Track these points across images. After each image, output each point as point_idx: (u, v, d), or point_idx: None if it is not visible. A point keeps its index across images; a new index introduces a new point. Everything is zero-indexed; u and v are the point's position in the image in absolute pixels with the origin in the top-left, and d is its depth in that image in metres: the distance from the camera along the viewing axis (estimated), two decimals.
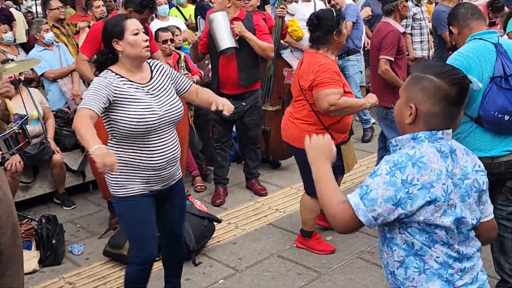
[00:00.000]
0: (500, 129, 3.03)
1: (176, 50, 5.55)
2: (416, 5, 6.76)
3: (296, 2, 6.47)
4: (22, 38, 8.72)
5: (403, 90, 1.88)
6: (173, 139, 2.96)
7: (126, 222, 3.00)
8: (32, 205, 5.10)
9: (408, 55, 7.02)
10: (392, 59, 4.57)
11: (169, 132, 2.93)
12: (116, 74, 2.86)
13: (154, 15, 6.99)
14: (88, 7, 6.83)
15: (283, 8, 5.38)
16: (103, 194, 4.58)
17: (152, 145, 2.86)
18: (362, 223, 1.76)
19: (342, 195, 1.87)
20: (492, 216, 1.96)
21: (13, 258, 3.22)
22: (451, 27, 3.27)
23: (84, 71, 4.56)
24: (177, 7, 7.61)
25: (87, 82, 6.33)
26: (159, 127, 2.86)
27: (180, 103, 2.98)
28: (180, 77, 3.09)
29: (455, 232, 1.79)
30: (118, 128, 2.81)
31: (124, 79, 2.86)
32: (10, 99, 3.17)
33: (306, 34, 6.28)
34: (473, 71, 2.95)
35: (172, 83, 3.03)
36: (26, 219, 4.43)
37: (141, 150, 2.85)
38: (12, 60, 5.22)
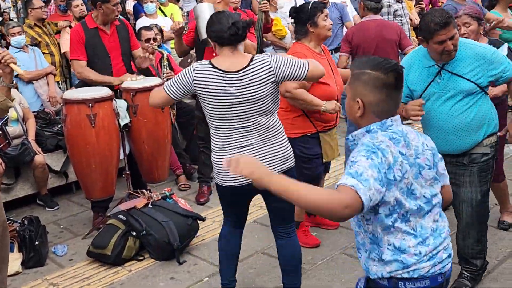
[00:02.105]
0: None
1: (159, 49, 5.53)
2: (397, 1, 6.80)
3: None
4: None
5: (347, 87, 2.06)
6: None
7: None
8: (14, 207, 5.05)
9: None
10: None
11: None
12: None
13: (143, 13, 6.99)
14: (68, 7, 6.79)
15: (266, 3, 5.39)
16: (86, 195, 4.55)
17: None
18: (363, 203, 1.79)
19: (324, 189, 1.95)
20: (447, 182, 2.20)
21: (2, 258, 3.20)
22: (454, 27, 3.20)
23: (91, 76, 4.59)
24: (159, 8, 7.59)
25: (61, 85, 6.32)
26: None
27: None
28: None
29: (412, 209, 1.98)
30: None
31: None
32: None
33: (289, 33, 6.34)
34: None
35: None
36: (9, 221, 4.37)
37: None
38: None
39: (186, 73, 2.96)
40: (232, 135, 2.98)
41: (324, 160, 3.89)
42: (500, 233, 4.07)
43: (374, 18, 5.03)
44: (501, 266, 3.67)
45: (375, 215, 1.96)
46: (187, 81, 2.95)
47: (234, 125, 2.96)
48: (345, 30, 6.46)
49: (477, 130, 3.16)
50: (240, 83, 2.89)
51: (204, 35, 4.63)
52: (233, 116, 2.94)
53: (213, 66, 2.94)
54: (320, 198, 1.82)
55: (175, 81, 2.98)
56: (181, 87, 2.97)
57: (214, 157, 3.06)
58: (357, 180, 1.82)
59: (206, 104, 2.98)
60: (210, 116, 3.01)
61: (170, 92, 3.00)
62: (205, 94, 2.94)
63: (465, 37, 3.80)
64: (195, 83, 2.94)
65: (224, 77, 2.91)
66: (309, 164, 3.84)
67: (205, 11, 4.54)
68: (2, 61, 2.93)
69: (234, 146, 2.98)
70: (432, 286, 2.02)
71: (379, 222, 1.97)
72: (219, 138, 3.02)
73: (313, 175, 3.89)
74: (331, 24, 3.80)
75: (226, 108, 2.93)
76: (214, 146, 3.06)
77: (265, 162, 2.95)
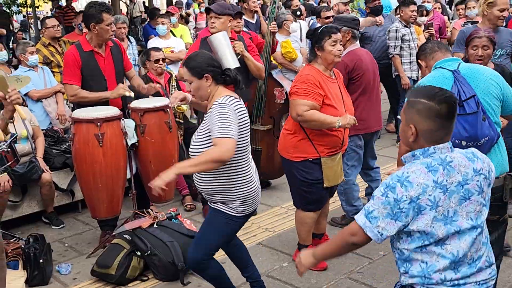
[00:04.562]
0: None
1: (168, 70, 5.58)
2: (405, 26, 6.86)
3: (296, 21, 6.56)
4: None
5: (402, 113, 2.22)
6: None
7: (225, 235, 3.30)
8: (20, 224, 5.06)
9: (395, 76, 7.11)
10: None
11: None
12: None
13: (153, 34, 7.08)
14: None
15: (275, 24, 5.44)
16: (92, 213, 4.56)
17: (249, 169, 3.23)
18: (371, 238, 2.11)
19: (343, 232, 2.28)
20: None
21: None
22: (419, 61, 3.42)
23: (85, 97, 4.59)
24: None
25: (70, 103, 6.37)
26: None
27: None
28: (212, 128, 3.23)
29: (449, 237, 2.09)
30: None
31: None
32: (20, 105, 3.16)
33: (300, 56, 6.38)
34: None
35: None
36: (14, 238, 4.39)
37: (248, 168, 3.22)
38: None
39: (230, 112, 3.04)
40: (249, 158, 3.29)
41: (325, 185, 3.88)
42: (508, 260, 4.03)
43: (357, 46, 4.79)
44: None
45: (405, 237, 2.14)
46: (236, 119, 3.05)
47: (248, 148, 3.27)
48: None
49: None
50: None
51: (227, 65, 4.73)
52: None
53: (238, 99, 3.16)
54: (339, 241, 2.26)
55: (229, 124, 2.99)
56: (237, 126, 3.06)
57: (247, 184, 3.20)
58: (366, 218, 2.11)
59: (242, 136, 3.13)
60: (243, 145, 3.16)
61: (235, 135, 3.02)
62: (244, 126, 3.14)
63: (480, 59, 3.83)
64: (239, 119, 3.09)
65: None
66: (309, 188, 3.84)
67: (223, 42, 4.63)
68: (9, 100, 3.00)
69: (251, 166, 3.28)
70: None
71: (409, 244, 2.13)
72: (245, 166, 3.22)
73: (313, 198, 3.89)
74: (339, 50, 3.77)
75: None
76: (245, 174, 3.19)
77: None
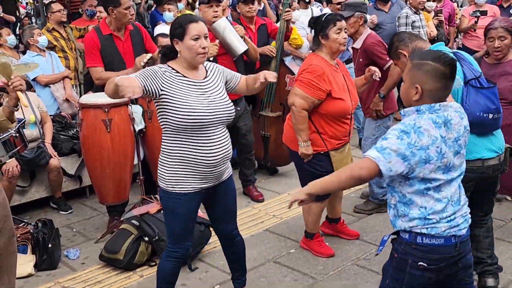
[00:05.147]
0: (483, 129, 3.16)
1: None
2: (415, 13, 6.79)
3: (298, 9, 6.51)
4: None
5: (406, 75, 2.37)
6: (226, 137, 3.05)
7: (174, 217, 3.07)
8: (29, 209, 5.09)
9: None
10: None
11: (221, 130, 3.02)
12: (173, 69, 2.97)
13: (161, 21, 7.06)
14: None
15: (289, 11, 5.41)
16: (100, 199, 4.58)
17: (207, 142, 2.94)
18: (381, 171, 2.24)
19: (347, 166, 2.46)
20: None
21: (6, 265, 3.20)
22: (400, 51, 3.33)
23: (109, 77, 4.55)
24: None
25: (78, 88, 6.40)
26: (210, 124, 2.94)
27: (231, 104, 3.07)
28: (231, 72, 3.21)
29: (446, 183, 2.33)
30: (170, 122, 2.90)
31: (179, 74, 2.96)
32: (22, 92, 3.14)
33: (306, 42, 6.34)
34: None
35: (223, 81, 3.13)
36: (22, 223, 4.42)
37: (197, 146, 2.93)
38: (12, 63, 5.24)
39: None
40: None
41: None
42: None
43: (370, 30, 4.75)
44: None
45: (406, 181, 2.31)
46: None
47: None
48: None
49: None
50: None
51: (240, 50, 4.77)
52: None
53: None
54: (346, 172, 2.36)
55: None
56: None
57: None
58: (379, 153, 2.24)
59: None
60: None
61: None
62: None
63: (498, 51, 3.81)
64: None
65: None
66: (312, 179, 3.82)
67: (228, 27, 4.64)
68: (11, 87, 2.97)
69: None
70: (446, 244, 2.34)
71: (410, 187, 2.31)
72: None
73: None
74: (344, 38, 3.73)
75: None
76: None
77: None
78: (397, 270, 2.43)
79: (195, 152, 2.93)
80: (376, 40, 4.53)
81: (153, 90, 2.85)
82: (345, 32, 3.77)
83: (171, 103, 2.89)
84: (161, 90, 2.88)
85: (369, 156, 2.26)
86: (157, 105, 2.95)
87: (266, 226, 4.60)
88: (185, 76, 2.96)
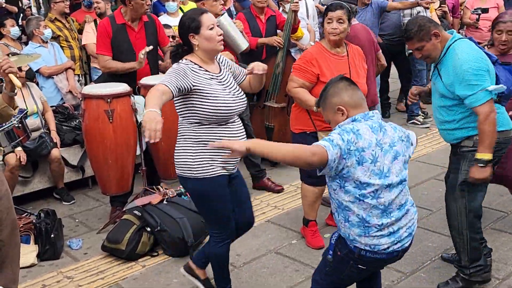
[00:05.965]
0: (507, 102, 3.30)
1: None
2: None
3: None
4: None
5: (325, 114, 2.57)
6: (241, 125, 3.14)
7: (211, 202, 3.06)
8: (31, 200, 5.11)
9: (408, 54, 7.03)
10: None
11: (237, 119, 3.11)
12: (195, 63, 2.99)
13: (163, 12, 7.04)
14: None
15: (297, 3, 5.39)
16: (102, 189, 4.59)
17: (229, 129, 3.02)
18: (328, 158, 2.30)
19: (302, 147, 2.40)
20: None
21: (10, 257, 3.22)
22: (435, 32, 3.18)
23: (113, 67, 4.62)
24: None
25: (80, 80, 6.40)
26: (233, 114, 3.03)
27: (244, 94, 3.13)
28: (238, 68, 3.25)
29: (382, 191, 2.40)
30: (200, 114, 2.94)
31: (202, 68, 2.99)
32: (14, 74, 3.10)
33: (306, 34, 6.31)
34: (490, 62, 3.14)
35: (232, 75, 3.17)
36: (25, 213, 4.44)
37: (221, 132, 2.99)
38: (15, 54, 5.24)
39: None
40: None
41: None
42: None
43: (355, 22, 4.74)
44: None
45: (340, 188, 2.42)
46: None
47: None
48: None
49: (456, 130, 3.22)
50: None
51: (244, 46, 4.79)
52: None
53: None
54: (294, 150, 2.36)
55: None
56: None
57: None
58: (329, 143, 2.32)
59: None
60: None
61: None
62: None
63: (504, 44, 3.80)
64: None
65: None
66: None
67: (232, 24, 4.66)
68: (1, 70, 2.91)
69: None
70: (387, 258, 2.50)
71: (346, 194, 2.41)
72: None
73: (312, 171, 3.91)
74: (333, 29, 3.75)
75: None
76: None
77: None
78: (338, 263, 2.58)
79: (221, 138, 2.96)
80: (350, 36, 4.36)
81: (185, 87, 2.87)
82: (340, 22, 3.77)
83: (201, 96, 2.92)
84: (193, 86, 2.90)
85: (322, 145, 2.33)
86: (182, 99, 2.96)
87: (268, 217, 4.61)
88: (206, 70, 3.00)
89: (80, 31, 6.70)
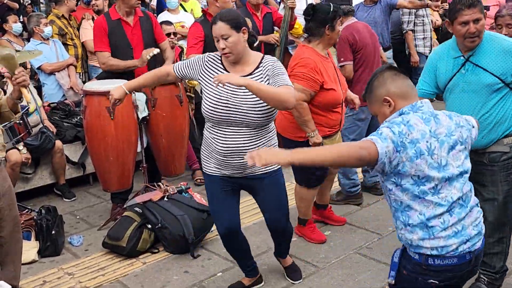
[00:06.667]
0: None
1: (179, 44, 5.56)
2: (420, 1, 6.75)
3: None
4: None
5: (371, 106, 2.36)
6: (243, 134, 3.01)
7: (207, 196, 3.33)
8: (33, 196, 5.11)
9: (408, 53, 7.04)
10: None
11: (239, 126, 3.00)
12: (221, 61, 3.08)
13: (166, 8, 7.04)
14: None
15: (294, 0, 5.38)
16: (103, 186, 4.59)
17: (222, 132, 3.04)
18: (378, 152, 2.09)
19: (348, 144, 2.40)
20: None
21: (12, 253, 3.23)
22: (481, 12, 3.00)
23: (114, 64, 4.62)
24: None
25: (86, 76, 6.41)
26: (227, 119, 2.99)
27: (265, 107, 2.95)
28: (275, 80, 2.96)
29: (442, 184, 2.20)
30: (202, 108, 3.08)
31: (222, 67, 3.06)
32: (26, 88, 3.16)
33: None
34: None
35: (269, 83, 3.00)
36: (26, 210, 4.44)
37: (214, 133, 3.08)
38: (18, 50, 5.25)
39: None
40: None
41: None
42: None
43: (354, 20, 4.70)
44: None
45: (397, 186, 2.21)
46: None
47: None
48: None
49: (497, 127, 3.05)
50: None
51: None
52: None
53: None
54: (340, 148, 2.18)
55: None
56: None
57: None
58: (377, 137, 2.13)
59: None
60: None
61: None
62: None
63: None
64: None
65: None
66: (309, 168, 3.83)
67: None
68: (15, 83, 3.01)
69: None
70: (459, 263, 2.21)
71: (403, 192, 2.20)
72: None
73: (316, 176, 3.92)
74: (339, 30, 3.82)
75: None
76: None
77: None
78: (403, 284, 2.32)
79: (212, 138, 3.09)
80: (345, 34, 4.41)
81: (190, 73, 3.11)
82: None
83: (203, 89, 3.06)
84: (199, 75, 3.08)
85: (369, 139, 2.14)
86: None
87: None
88: (226, 69, 3.04)
89: (78, 29, 6.72)
